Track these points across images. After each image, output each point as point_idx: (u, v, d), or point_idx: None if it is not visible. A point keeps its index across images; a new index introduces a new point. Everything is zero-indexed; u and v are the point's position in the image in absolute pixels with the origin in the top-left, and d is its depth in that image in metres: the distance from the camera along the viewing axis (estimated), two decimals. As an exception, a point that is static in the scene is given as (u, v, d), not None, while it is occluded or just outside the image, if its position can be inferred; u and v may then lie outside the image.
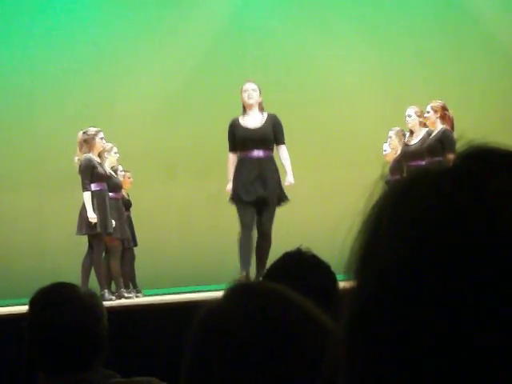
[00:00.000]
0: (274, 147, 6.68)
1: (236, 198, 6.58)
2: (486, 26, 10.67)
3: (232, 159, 6.67)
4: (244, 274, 6.25)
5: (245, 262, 6.40)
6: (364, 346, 0.56)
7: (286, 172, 6.70)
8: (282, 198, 6.62)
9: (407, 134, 8.21)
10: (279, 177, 6.64)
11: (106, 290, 7.16)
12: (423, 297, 0.53)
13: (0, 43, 10.34)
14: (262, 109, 6.70)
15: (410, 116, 7.60)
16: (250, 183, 6.47)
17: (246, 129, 6.57)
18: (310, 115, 10.29)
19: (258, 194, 6.45)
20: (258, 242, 6.54)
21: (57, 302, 2.04)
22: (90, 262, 7.27)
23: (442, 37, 10.68)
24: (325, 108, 10.32)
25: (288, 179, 6.68)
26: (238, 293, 1.03)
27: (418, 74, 10.48)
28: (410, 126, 7.67)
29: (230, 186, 6.65)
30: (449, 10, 10.77)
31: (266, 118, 6.66)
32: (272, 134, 6.61)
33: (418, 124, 7.50)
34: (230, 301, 1.02)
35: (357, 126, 10.16)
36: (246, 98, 6.64)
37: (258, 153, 6.53)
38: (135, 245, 8.48)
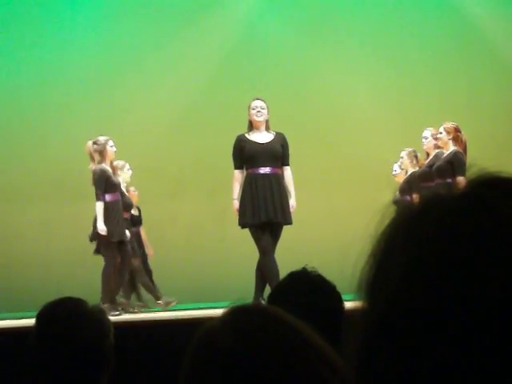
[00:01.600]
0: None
1: (246, 223, 6.38)
2: (498, 47, 10.68)
3: (238, 177, 6.47)
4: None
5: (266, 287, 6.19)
6: (378, 366, 0.56)
7: (289, 195, 6.50)
8: (288, 219, 6.45)
9: (419, 155, 8.17)
10: (287, 196, 6.48)
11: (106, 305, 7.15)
12: (439, 317, 0.53)
13: (12, 56, 10.40)
14: (268, 127, 6.55)
15: (426, 138, 7.51)
16: (260, 204, 6.28)
17: (256, 143, 6.40)
18: (320, 134, 10.29)
19: (268, 217, 6.28)
20: (260, 260, 6.40)
21: (64, 319, 2.03)
22: (112, 270, 7.28)
23: (454, 55, 10.69)
24: (336, 127, 10.32)
25: (291, 203, 6.48)
26: (235, 314, 1.06)
27: (430, 93, 10.48)
28: (425, 148, 7.56)
29: (236, 206, 6.46)
30: (461, 30, 10.79)
31: (274, 135, 6.51)
32: (281, 151, 6.45)
33: (433, 146, 7.39)
34: (227, 321, 1.04)
35: (368, 146, 10.15)
36: (254, 116, 6.47)
37: (265, 170, 6.36)
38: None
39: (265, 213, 6.29)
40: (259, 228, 6.32)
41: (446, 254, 0.55)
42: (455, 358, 0.53)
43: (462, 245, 0.55)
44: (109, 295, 7.18)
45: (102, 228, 7.06)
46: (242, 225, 6.46)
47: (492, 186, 0.58)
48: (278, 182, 6.40)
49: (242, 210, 6.41)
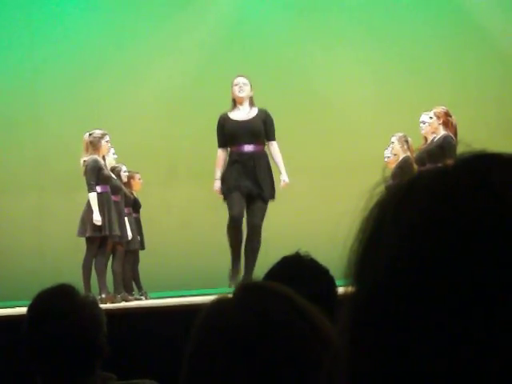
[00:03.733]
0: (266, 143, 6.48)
1: (224, 189, 6.35)
2: (487, 32, 10.68)
3: (221, 156, 6.44)
4: (234, 270, 6.16)
5: (234, 257, 6.27)
6: (365, 350, 0.54)
7: (279, 171, 6.48)
8: (271, 194, 6.39)
9: (410, 139, 8.13)
10: (271, 172, 6.42)
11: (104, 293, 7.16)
12: (430, 298, 0.52)
13: (3, 44, 10.36)
14: (252, 103, 6.51)
15: (424, 123, 7.33)
16: (241, 178, 6.24)
17: (236, 121, 6.37)
18: (311, 118, 10.29)
19: (249, 189, 6.23)
20: (247, 239, 6.36)
21: (56, 311, 2.01)
22: (102, 263, 7.27)
23: (443, 43, 10.69)
24: (326, 111, 10.32)
25: (283, 178, 6.47)
26: (247, 291, 1.07)
27: (420, 79, 10.49)
28: (423, 132, 7.42)
29: (217, 185, 6.43)
30: (450, 16, 10.78)
31: (256, 112, 6.46)
32: (263, 128, 6.38)
33: (430, 131, 7.24)
34: (238, 297, 1.05)
35: (361, 132, 10.15)
36: (236, 92, 6.47)
37: (248, 147, 6.32)
38: (142, 248, 8.48)
39: (243, 184, 6.25)
40: (233, 194, 6.27)
41: (439, 225, 0.53)
42: (450, 337, 0.51)
43: (456, 216, 0.53)
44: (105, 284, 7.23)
45: (97, 219, 7.06)
46: (223, 194, 6.42)
47: (483, 159, 0.56)
48: (259, 158, 6.34)
49: (222, 187, 6.40)
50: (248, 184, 6.26)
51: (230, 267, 6.30)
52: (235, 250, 6.28)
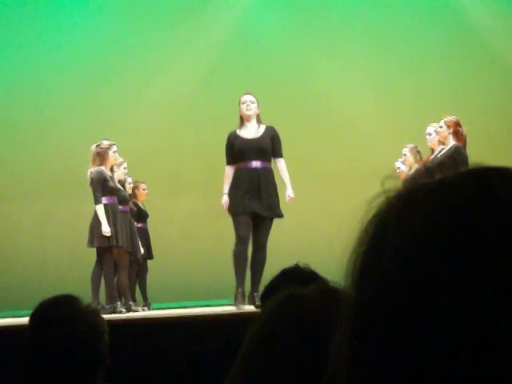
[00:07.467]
0: (272, 160, 6.56)
1: (232, 209, 6.42)
2: (488, 41, 10.69)
3: (229, 172, 6.53)
4: (240, 291, 6.21)
5: (239, 279, 6.29)
6: (365, 359, 0.54)
7: (285, 186, 6.55)
8: (277, 212, 6.47)
9: (421, 150, 8.00)
10: (276, 190, 6.51)
11: (118, 303, 7.15)
12: (433, 307, 0.51)
13: (8, 53, 10.39)
14: (259, 121, 6.59)
15: (430, 134, 7.21)
16: (248, 195, 6.33)
17: (244, 139, 6.46)
18: (314, 128, 10.29)
19: (255, 208, 6.31)
20: (253, 254, 6.42)
21: (58, 320, 2.02)
22: (99, 274, 7.26)
23: (444, 52, 10.70)
24: (329, 121, 10.33)
25: (288, 193, 6.53)
26: (324, 292, 1.08)
27: (422, 88, 10.49)
28: (429, 144, 7.28)
29: (225, 200, 6.49)
30: (451, 25, 10.80)
31: (264, 130, 6.54)
32: (270, 146, 6.49)
33: (437, 143, 7.05)
34: (315, 298, 1.07)
35: (361, 140, 10.15)
36: (244, 110, 6.54)
37: (255, 163, 6.42)
38: (150, 257, 8.50)
39: (251, 204, 6.33)
40: (241, 217, 6.35)
41: (443, 231, 0.52)
42: (452, 347, 0.51)
43: (461, 222, 0.52)
44: (115, 292, 7.21)
45: (106, 230, 7.06)
46: (227, 210, 6.52)
47: (486, 169, 0.56)
48: (266, 176, 6.44)
49: (229, 201, 6.47)
50: (255, 204, 6.33)
51: (236, 289, 6.31)
52: (240, 271, 6.29)
